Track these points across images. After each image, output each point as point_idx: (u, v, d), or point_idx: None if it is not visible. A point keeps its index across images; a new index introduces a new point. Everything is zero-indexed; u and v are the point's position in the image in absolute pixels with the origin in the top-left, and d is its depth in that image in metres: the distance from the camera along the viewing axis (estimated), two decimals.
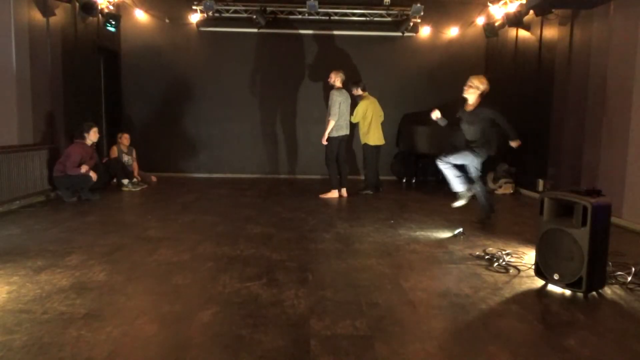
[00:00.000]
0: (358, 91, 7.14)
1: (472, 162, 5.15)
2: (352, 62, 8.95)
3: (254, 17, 8.40)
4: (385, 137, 9.12)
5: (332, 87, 6.82)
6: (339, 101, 6.65)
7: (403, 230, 4.90)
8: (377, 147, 7.21)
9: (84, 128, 6.46)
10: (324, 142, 6.77)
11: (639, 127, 5.07)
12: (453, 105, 9.15)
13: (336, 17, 8.77)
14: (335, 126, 6.68)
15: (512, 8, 7.56)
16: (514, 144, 5.21)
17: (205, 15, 8.51)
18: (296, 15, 8.70)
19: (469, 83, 5.18)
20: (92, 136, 6.48)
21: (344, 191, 7.00)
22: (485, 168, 8.06)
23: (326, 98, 7.03)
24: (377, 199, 6.94)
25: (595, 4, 5.67)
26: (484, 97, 5.15)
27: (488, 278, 3.44)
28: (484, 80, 5.15)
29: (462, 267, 3.69)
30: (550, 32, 6.95)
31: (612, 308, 2.97)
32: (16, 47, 5.85)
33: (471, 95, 5.18)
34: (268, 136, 9.30)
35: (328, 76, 6.91)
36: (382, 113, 7.30)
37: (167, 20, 8.82)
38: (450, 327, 2.62)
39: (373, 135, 7.12)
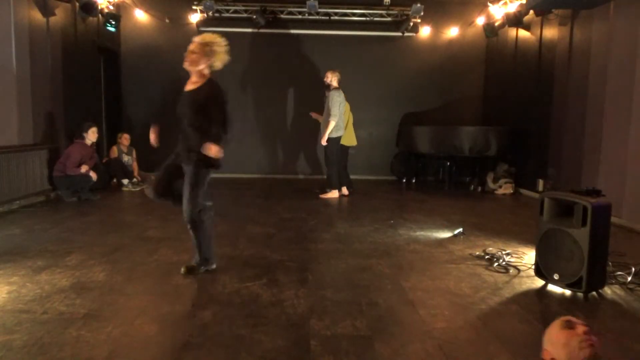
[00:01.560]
0: None
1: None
2: (352, 62, 8.94)
3: (254, 17, 8.40)
4: (385, 137, 9.21)
5: (328, 86, 6.82)
6: (339, 101, 6.65)
7: (403, 230, 4.89)
8: (348, 147, 7.25)
9: (83, 128, 6.46)
10: (324, 143, 6.75)
11: (639, 127, 5.07)
12: (454, 105, 9.24)
13: (336, 17, 8.77)
14: (335, 127, 6.68)
15: (512, 8, 7.56)
16: (207, 149, 3.28)
17: (205, 15, 8.51)
18: (296, 15, 8.70)
19: (191, 47, 3.32)
20: (91, 136, 6.48)
21: (344, 190, 7.01)
22: (486, 168, 8.15)
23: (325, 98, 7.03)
24: (377, 198, 6.94)
25: (595, 4, 5.67)
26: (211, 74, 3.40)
27: (488, 278, 3.44)
28: (221, 43, 3.33)
29: (462, 267, 3.69)
30: (550, 32, 6.95)
31: (612, 308, 2.97)
32: (16, 47, 5.85)
33: (194, 66, 3.32)
34: (268, 136, 9.30)
35: (324, 75, 6.90)
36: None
37: (167, 20, 8.82)
38: (450, 327, 2.61)
39: (348, 136, 7.18)
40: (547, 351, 1.69)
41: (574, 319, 1.70)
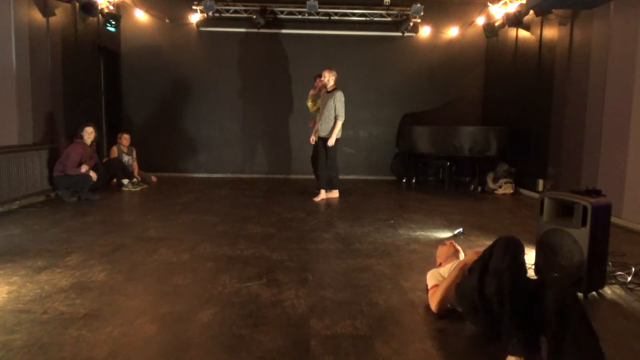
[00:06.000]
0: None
1: None
2: (352, 62, 8.95)
3: (254, 17, 8.41)
4: (385, 137, 9.22)
5: (324, 85, 6.79)
6: (344, 101, 6.64)
7: (403, 230, 4.89)
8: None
9: (80, 128, 6.46)
10: (332, 144, 6.67)
11: (639, 127, 5.08)
12: (454, 105, 9.25)
13: (336, 17, 8.78)
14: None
15: (512, 8, 7.57)
16: None
17: (205, 15, 8.52)
18: (296, 15, 8.71)
19: None
20: (86, 136, 6.45)
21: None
22: (486, 168, 8.15)
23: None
24: (377, 198, 6.94)
25: (595, 4, 5.67)
26: None
27: None
28: None
29: None
30: (550, 32, 6.95)
31: (612, 308, 2.97)
32: (16, 47, 5.85)
33: None
34: (268, 136, 9.30)
35: (321, 75, 6.84)
36: None
37: (167, 20, 8.83)
38: (450, 327, 2.61)
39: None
40: (438, 261, 3.14)
41: (446, 241, 3.26)
